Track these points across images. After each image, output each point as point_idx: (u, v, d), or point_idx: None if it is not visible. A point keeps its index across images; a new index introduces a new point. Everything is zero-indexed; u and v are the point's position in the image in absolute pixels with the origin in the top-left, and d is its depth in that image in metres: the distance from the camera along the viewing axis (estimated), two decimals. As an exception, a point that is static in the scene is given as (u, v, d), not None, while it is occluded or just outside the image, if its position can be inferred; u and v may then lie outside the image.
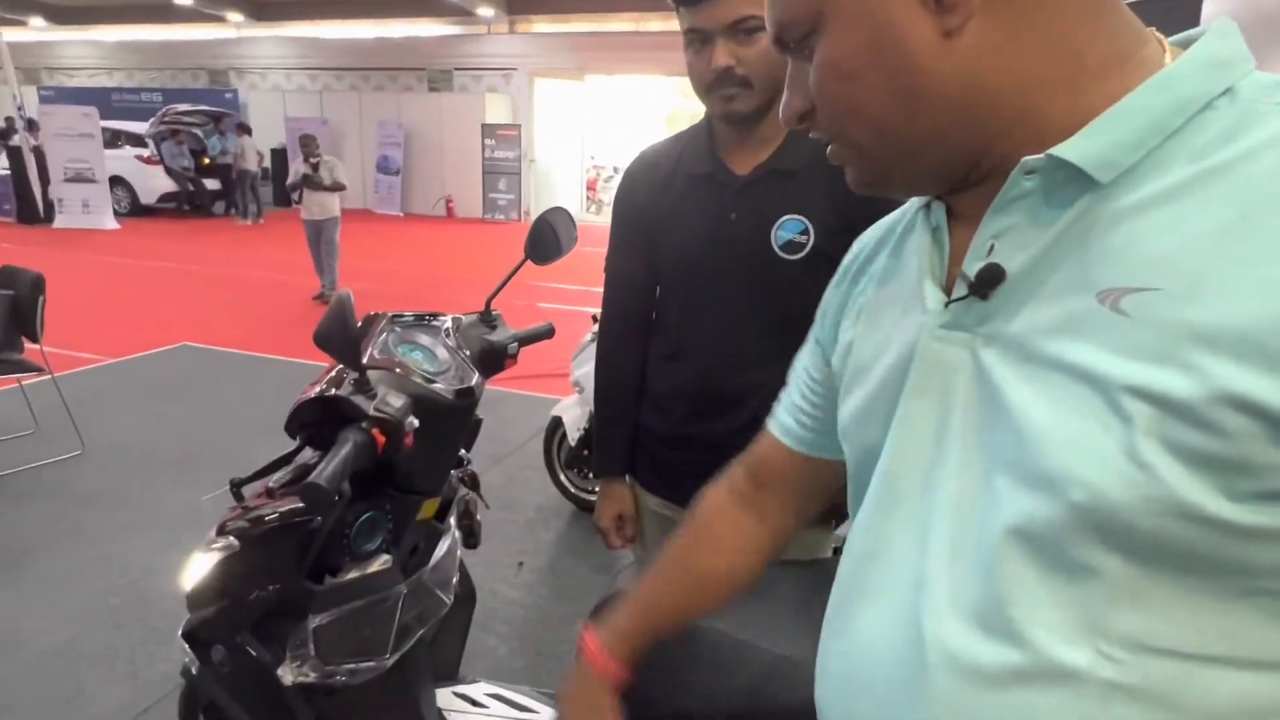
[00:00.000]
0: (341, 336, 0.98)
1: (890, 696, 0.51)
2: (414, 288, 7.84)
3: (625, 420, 1.40)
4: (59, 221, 11.14)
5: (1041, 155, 0.44)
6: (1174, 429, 0.38)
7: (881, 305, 0.60)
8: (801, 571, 1.17)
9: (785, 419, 0.79)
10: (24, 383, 3.66)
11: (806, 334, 1.26)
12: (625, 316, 1.39)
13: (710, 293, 1.26)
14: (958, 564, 0.48)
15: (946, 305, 0.50)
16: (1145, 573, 0.41)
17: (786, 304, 1.22)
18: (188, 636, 1.25)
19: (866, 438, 0.58)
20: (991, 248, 0.48)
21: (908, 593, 0.51)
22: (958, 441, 0.49)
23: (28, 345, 3.49)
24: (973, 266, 0.48)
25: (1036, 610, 0.44)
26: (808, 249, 1.19)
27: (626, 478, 1.41)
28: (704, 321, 1.28)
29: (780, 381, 1.26)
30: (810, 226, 1.18)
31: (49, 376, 3.47)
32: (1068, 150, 0.43)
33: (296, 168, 6.88)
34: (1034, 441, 0.43)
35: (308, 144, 6.87)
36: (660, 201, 1.29)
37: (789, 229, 1.19)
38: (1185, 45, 0.45)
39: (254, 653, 1.18)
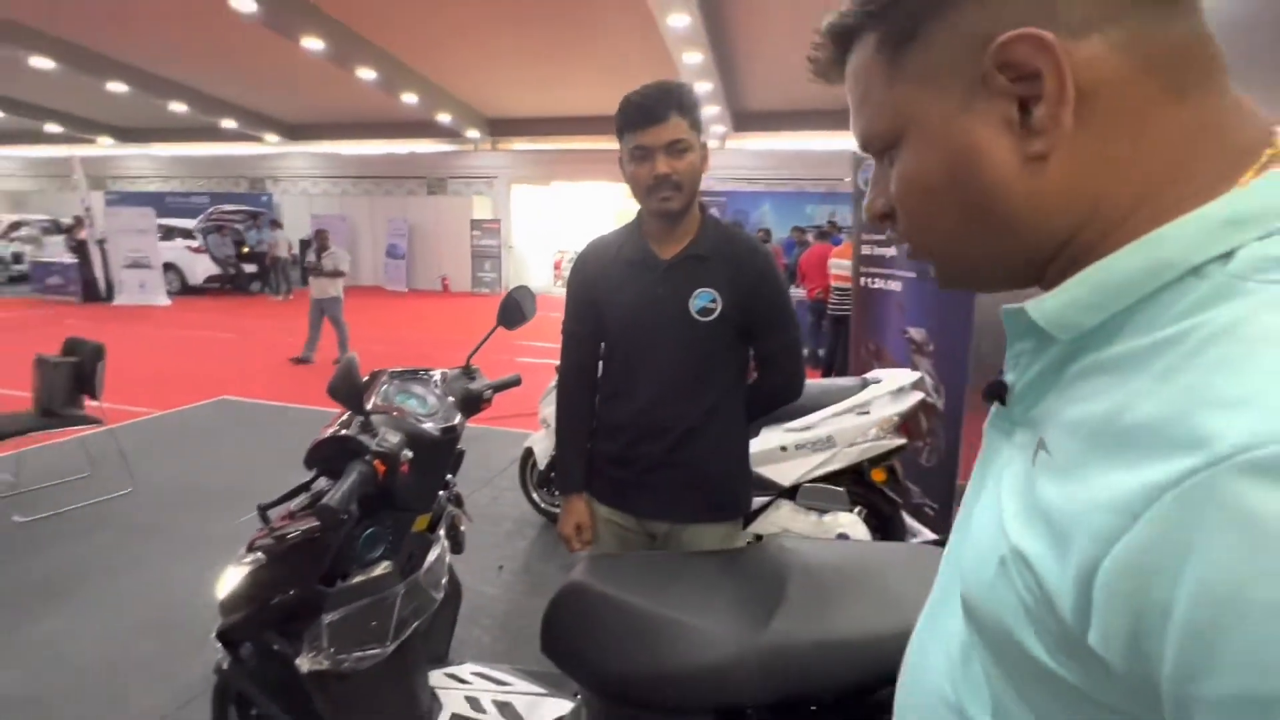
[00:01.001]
0: (348, 388, 0.99)
1: (910, 676, 0.47)
2: (418, 348, 7.72)
3: (580, 448, 1.41)
4: (119, 299, 10.67)
5: (1016, 307, 0.37)
6: (1011, 570, 0.33)
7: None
8: (712, 557, 1.20)
9: None
10: (84, 434, 3.46)
11: (715, 378, 1.32)
12: (578, 367, 1.41)
13: (645, 347, 1.30)
14: (942, 604, 0.44)
15: (985, 400, 0.44)
16: (1008, 680, 0.35)
17: (700, 355, 1.28)
18: (220, 637, 1.20)
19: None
20: (1014, 364, 0.40)
21: (927, 611, 0.47)
22: (972, 502, 0.43)
23: (88, 403, 3.32)
24: (1003, 375, 0.42)
25: (968, 663, 0.39)
26: (716, 314, 1.25)
27: (584, 494, 1.42)
28: (641, 368, 1.32)
29: (696, 415, 1.31)
30: (719, 297, 1.25)
31: (105, 428, 3.30)
32: (1031, 305, 0.36)
33: (309, 256, 6.80)
34: (971, 532, 0.40)
35: (320, 237, 6.83)
36: (605, 279, 1.33)
37: (702, 299, 1.26)
38: None
39: (277, 647, 1.14)
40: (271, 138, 15.32)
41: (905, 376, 2.38)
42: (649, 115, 1.17)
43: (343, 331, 6.69)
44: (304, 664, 1.09)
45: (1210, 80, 0.33)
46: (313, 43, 8.56)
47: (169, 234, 12.44)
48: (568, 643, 1.04)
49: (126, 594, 2.47)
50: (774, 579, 1.00)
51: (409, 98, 11.22)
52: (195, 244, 12.97)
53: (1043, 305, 0.35)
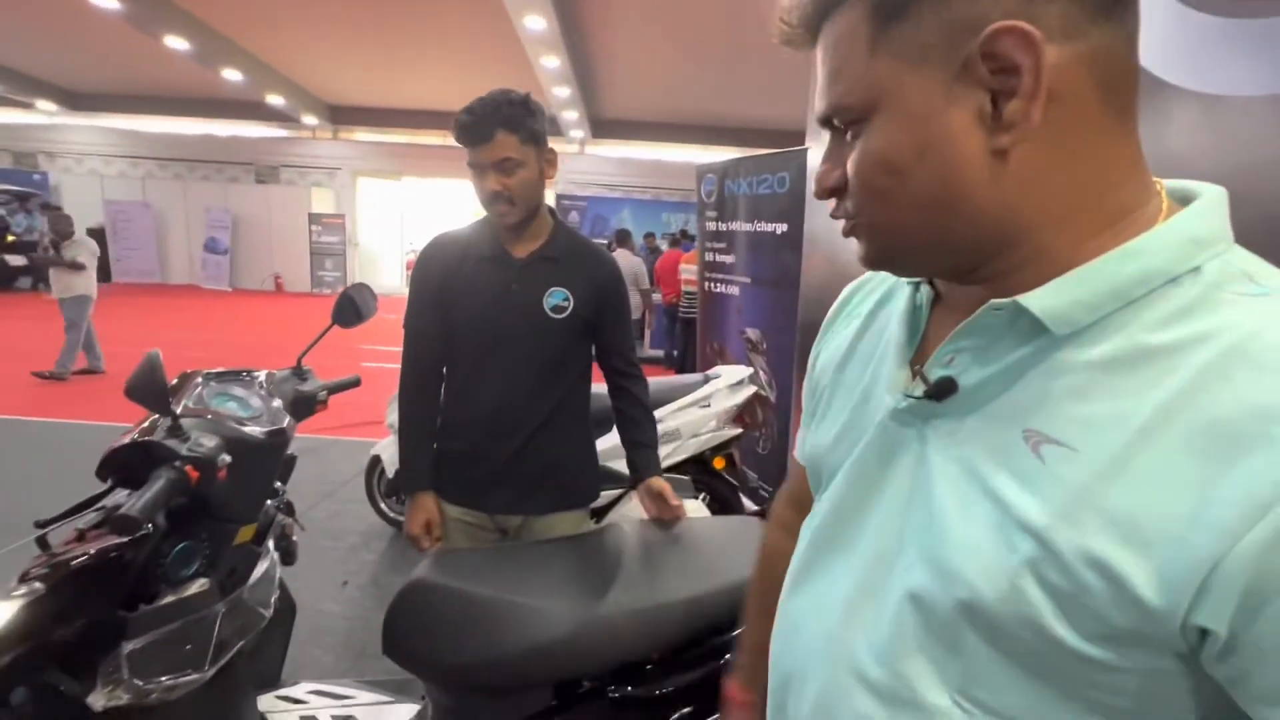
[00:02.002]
0: (150, 388, 0.90)
1: (809, 667, 0.48)
2: (244, 353, 6.91)
3: (425, 444, 1.39)
4: None
5: (1009, 300, 0.38)
6: (1048, 569, 0.35)
7: (854, 353, 0.53)
8: (555, 543, 1.26)
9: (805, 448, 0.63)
10: None
11: (565, 374, 1.36)
12: (422, 364, 1.39)
13: (497, 342, 1.32)
14: (868, 600, 0.44)
15: (906, 394, 0.43)
16: (1003, 662, 0.38)
17: (553, 352, 1.33)
18: (-18, 687, 1.02)
19: (830, 462, 0.51)
20: (952, 359, 0.41)
21: (835, 607, 0.47)
22: (888, 504, 0.44)
23: None
24: (933, 372, 0.42)
25: (914, 657, 0.41)
26: (569, 311, 1.31)
27: (430, 491, 1.39)
28: (492, 365, 1.33)
29: (547, 409, 1.35)
30: (571, 296, 1.31)
31: None
32: (1032, 301, 0.37)
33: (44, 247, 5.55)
34: (943, 534, 0.39)
35: (59, 223, 5.57)
36: (456, 275, 1.33)
37: (556, 296, 1.31)
38: (1183, 200, 0.38)
39: (62, 687, 1.00)
40: (46, 105, 12.80)
41: (741, 372, 2.61)
42: (474, 134, 1.20)
43: (81, 338, 5.54)
44: (98, 700, 0.97)
45: (1135, 111, 0.37)
46: (106, 0, 7.33)
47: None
48: (409, 640, 1.03)
49: None
50: (611, 557, 1.08)
51: (231, 74, 9.99)
52: (-66, 229, 10.50)
53: (1045, 299, 0.36)
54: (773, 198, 3.10)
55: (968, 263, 0.41)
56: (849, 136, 0.41)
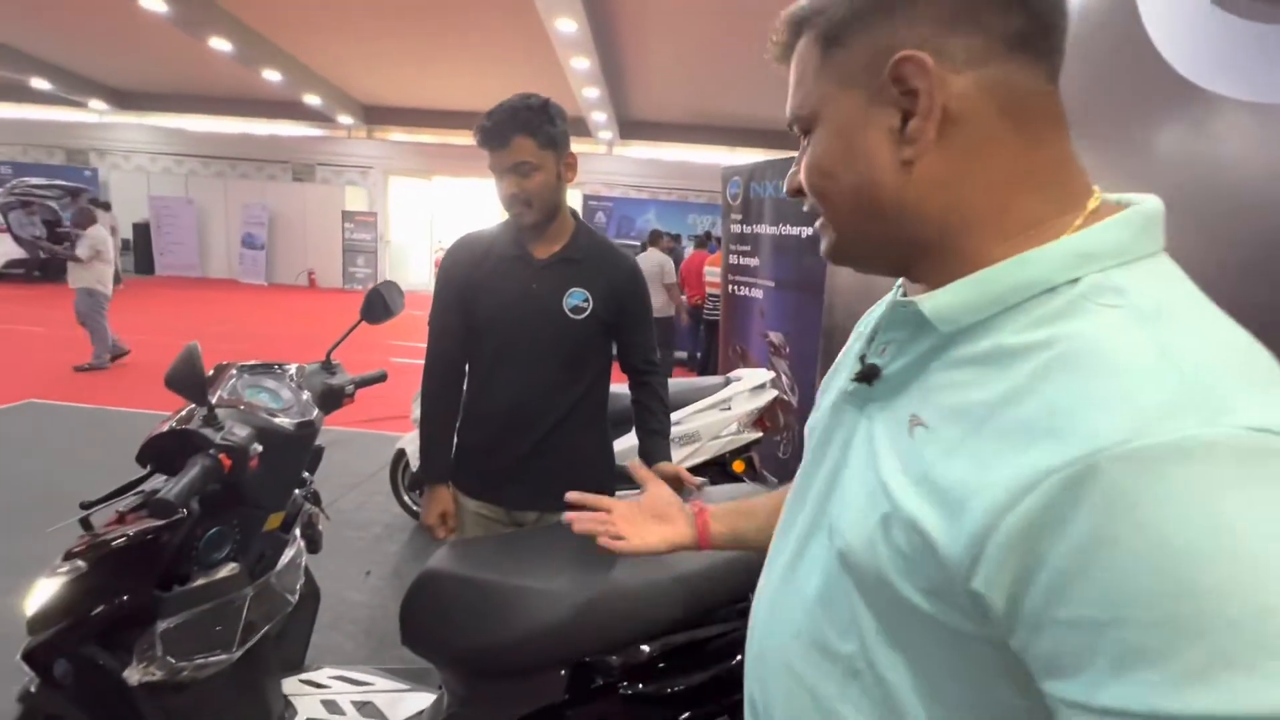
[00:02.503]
0: (188, 378, 0.94)
1: (764, 625, 0.54)
2: (276, 345, 7.10)
3: (445, 437, 1.42)
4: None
5: (910, 299, 0.43)
6: (893, 527, 0.40)
7: (848, 353, 0.58)
8: (563, 528, 1.27)
9: None
10: None
11: (583, 373, 1.38)
12: (446, 358, 1.42)
13: (517, 339, 1.34)
14: (799, 562, 0.50)
15: (853, 380, 0.49)
16: (879, 620, 0.42)
17: (571, 350, 1.35)
18: (27, 658, 1.08)
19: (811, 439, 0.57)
20: (885, 350, 0.47)
21: (778, 572, 0.53)
22: (822, 478, 0.50)
23: None
24: (869, 360, 0.48)
25: (831, 603, 0.46)
26: (588, 312, 1.33)
27: (448, 483, 1.42)
28: (512, 361, 1.35)
29: (565, 407, 1.37)
30: (590, 296, 1.32)
31: None
32: (924, 302, 0.42)
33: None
34: (841, 497, 0.46)
35: (77, 215, 5.57)
36: (479, 272, 1.35)
37: (575, 297, 1.32)
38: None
39: (101, 661, 1.05)
40: (97, 104, 13.33)
41: (763, 375, 2.61)
42: (493, 139, 1.23)
43: (101, 328, 5.52)
44: (133, 675, 1.01)
45: (1054, 132, 0.41)
46: (154, 3, 7.60)
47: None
48: (425, 628, 1.06)
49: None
50: None
51: (271, 75, 10.28)
52: (-8, 221, 10.98)
53: (935, 301, 0.41)
54: (799, 201, 3.07)
55: (901, 261, 0.47)
56: (804, 143, 0.48)
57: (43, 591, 1.04)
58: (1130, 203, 0.41)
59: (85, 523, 1.07)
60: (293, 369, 1.29)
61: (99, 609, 1.04)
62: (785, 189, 0.51)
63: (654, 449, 1.41)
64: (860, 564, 0.42)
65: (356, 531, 2.93)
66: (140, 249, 13.42)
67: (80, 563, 1.03)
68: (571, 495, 0.80)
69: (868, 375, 0.47)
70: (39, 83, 11.69)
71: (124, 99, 13.55)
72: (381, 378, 1.50)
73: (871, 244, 0.46)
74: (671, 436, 2.46)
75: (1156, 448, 0.30)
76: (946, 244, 0.43)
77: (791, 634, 0.49)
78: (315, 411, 1.22)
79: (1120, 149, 0.71)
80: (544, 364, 1.34)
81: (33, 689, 1.09)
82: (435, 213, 15.17)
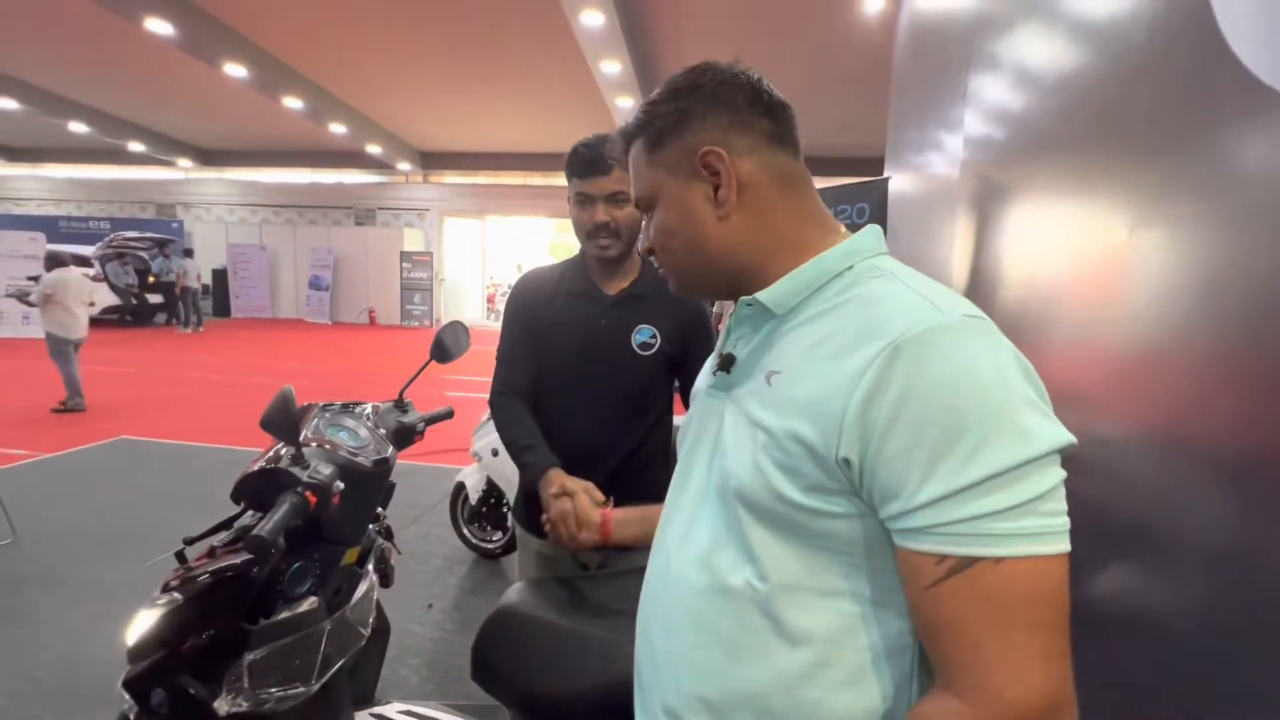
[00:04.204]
0: (284, 420, 0.99)
1: (655, 592, 0.66)
2: (340, 382, 7.41)
3: (534, 432, 1.31)
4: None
5: (753, 297, 0.61)
6: (772, 448, 0.54)
7: (706, 365, 0.74)
8: (633, 573, 1.24)
9: None
10: (-45, 479, 3.12)
11: (649, 409, 1.38)
12: (513, 385, 1.38)
13: (585, 376, 1.33)
14: (693, 525, 0.62)
15: (714, 374, 0.66)
16: (770, 534, 0.55)
17: (638, 386, 1.35)
18: (127, 686, 1.13)
19: (686, 437, 0.71)
20: (736, 342, 0.65)
21: (672, 542, 0.64)
22: (708, 451, 0.63)
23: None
24: (725, 351, 0.65)
25: (719, 552, 0.58)
26: (655, 349, 1.33)
27: (558, 466, 1.24)
28: (579, 399, 1.34)
29: (632, 444, 1.36)
30: (658, 333, 1.33)
31: (-17, 472, 2.99)
32: (763, 296, 0.60)
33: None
34: (725, 451, 0.60)
35: (46, 262, 5.66)
36: (547, 309, 1.36)
37: (643, 334, 1.33)
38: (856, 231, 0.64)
39: (193, 691, 1.09)
40: (184, 162, 14.52)
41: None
42: (593, 166, 1.24)
43: (67, 371, 5.53)
44: (223, 706, 1.05)
45: (808, 189, 0.64)
46: (235, 69, 8.29)
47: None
48: (497, 667, 1.06)
49: (5, 652, 2.23)
50: None
51: (338, 128, 10.98)
52: (93, 272, 12.00)
53: (769, 294, 0.60)
54: (850, 228, 3.03)
55: (733, 286, 0.64)
56: (646, 218, 0.68)
57: (142, 622, 1.09)
58: (859, 228, 0.64)
59: (180, 555, 1.13)
60: (368, 408, 1.34)
61: (191, 640, 1.08)
62: (641, 249, 0.71)
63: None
64: (752, 491, 0.55)
65: (418, 564, 2.98)
66: (218, 293, 14.40)
67: (176, 595, 1.07)
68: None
69: (727, 363, 0.64)
70: (135, 145, 12.85)
71: (207, 156, 14.72)
72: (448, 415, 1.54)
73: (709, 278, 0.65)
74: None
75: (925, 330, 0.49)
76: (762, 267, 0.62)
77: (692, 593, 0.60)
78: (390, 449, 1.26)
79: (1195, 158, 0.68)
80: (612, 401, 1.34)
81: (131, 716, 1.14)
82: (487, 250, 15.72)
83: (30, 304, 5.64)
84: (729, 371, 0.63)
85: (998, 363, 0.48)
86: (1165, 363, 0.70)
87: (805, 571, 0.54)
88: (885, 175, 2.86)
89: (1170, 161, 0.72)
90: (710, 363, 0.70)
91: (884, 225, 2.67)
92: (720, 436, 0.61)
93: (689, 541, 0.62)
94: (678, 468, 0.69)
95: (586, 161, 1.24)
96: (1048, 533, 0.46)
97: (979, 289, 1.44)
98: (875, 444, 0.48)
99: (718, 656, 0.58)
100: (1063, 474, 0.47)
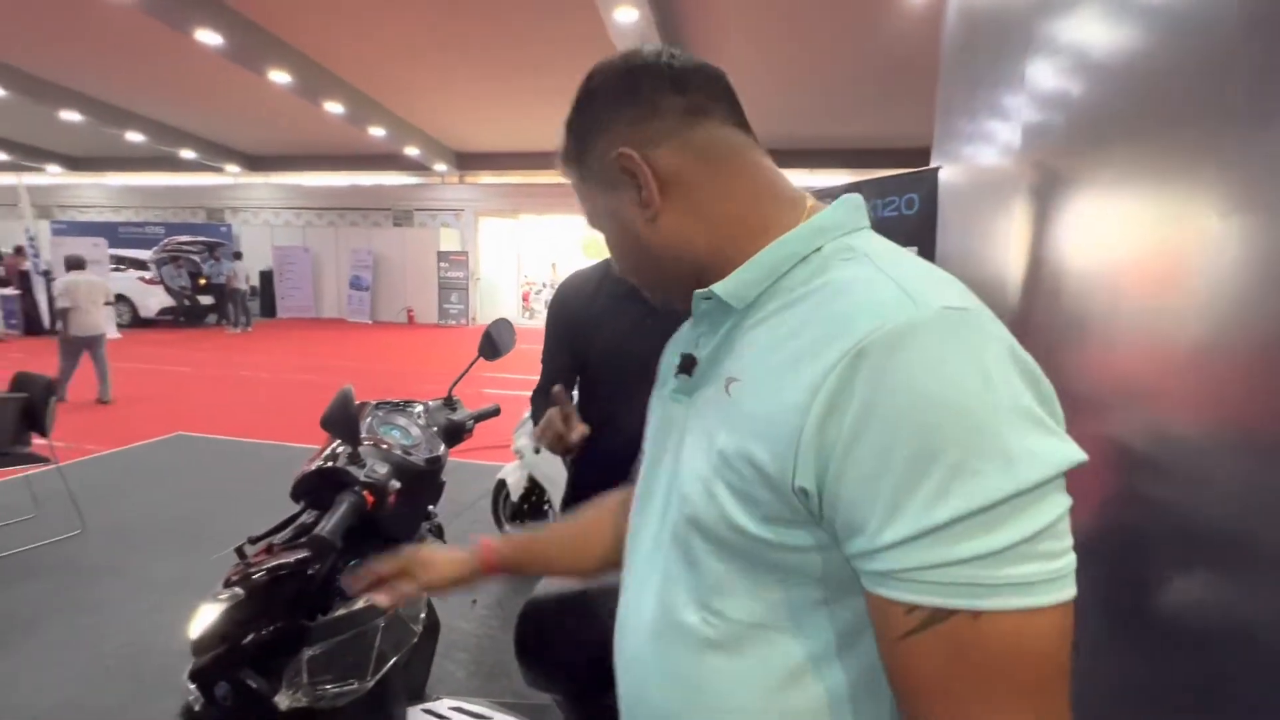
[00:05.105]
0: (344, 420, 1.01)
1: (620, 628, 0.60)
2: (382, 380, 7.58)
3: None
4: (63, 333, 10.21)
5: (708, 289, 0.52)
6: (725, 470, 0.46)
7: (663, 370, 0.67)
8: None
9: None
10: (30, 473, 3.30)
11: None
12: (553, 383, 1.39)
13: (631, 375, 1.32)
14: (656, 542, 0.55)
15: (675, 376, 0.59)
16: (728, 567, 0.48)
17: None
18: (193, 678, 1.17)
19: (646, 455, 0.65)
20: (696, 342, 0.57)
21: (639, 556, 0.58)
22: (668, 470, 0.56)
23: (36, 440, 3.18)
24: (685, 351, 0.58)
25: (674, 586, 0.52)
26: None
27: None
28: (627, 397, 1.33)
29: None
30: None
31: (54, 466, 3.15)
32: (718, 287, 0.51)
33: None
34: (681, 470, 0.52)
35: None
36: (589, 309, 1.35)
37: None
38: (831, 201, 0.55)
39: (254, 685, 1.12)
40: (232, 168, 15.07)
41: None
42: None
43: (63, 369, 5.70)
44: (283, 701, 1.07)
45: (743, 159, 0.54)
46: (279, 76, 8.55)
47: (119, 264, 12.07)
48: (540, 657, 1.05)
49: (74, 640, 2.34)
50: None
51: (377, 131, 11.24)
52: (149, 275, 12.59)
53: (725, 285, 0.51)
54: (899, 219, 2.95)
55: (684, 286, 0.55)
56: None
57: (205, 616, 1.12)
58: (829, 200, 0.55)
59: (240, 551, 1.16)
60: (419, 407, 1.35)
61: (252, 635, 1.11)
62: (619, 273, 0.63)
63: None
64: (705, 518, 0.48)
65: (461, 560, 3.02)
66: (265, 294, 14.91)
67: (238, 590, 1.10)
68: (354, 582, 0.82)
69: (688, 366, 0.57)
70: (186, 152, 13.40)
71: (254, 162, 15.25)
72: (495, 412, 1.55)
73: (673, 284, 0.57)
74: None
75: (893, 330, 0.40)
76: (721, 257, 0.53)
77: (649, 634, 0.54)
78: (441, 447, 1.27)
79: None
80: None
81: (196, 707, 1.18)
82: (521, 249, 15.89)
83: (65, 307, 5.78)
84: (690, 374, 0.56)
85: (982, 366, 0.38)
86: (1266, 357, 0.65)
87: (766, 609, 0.47)
88: (936, 165, 2.77)
89: (1271, 142, 0.67)
90: (671, 359, 0.62)
91: (934, 218, 2.59)
92: (680, 453, 0.54)
93: (649, 572, 0.55)
94: (639, 484, 0.62)
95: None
96: (1042, 580, 0.37)
97: (1040, 283, 1.37)
98: (834, 470, 0.40)
99: (675, 699, 0.52)
100: (1066, 502, 0.38)
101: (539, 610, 1.06)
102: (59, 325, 5.88)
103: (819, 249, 0.50)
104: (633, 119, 0.53)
